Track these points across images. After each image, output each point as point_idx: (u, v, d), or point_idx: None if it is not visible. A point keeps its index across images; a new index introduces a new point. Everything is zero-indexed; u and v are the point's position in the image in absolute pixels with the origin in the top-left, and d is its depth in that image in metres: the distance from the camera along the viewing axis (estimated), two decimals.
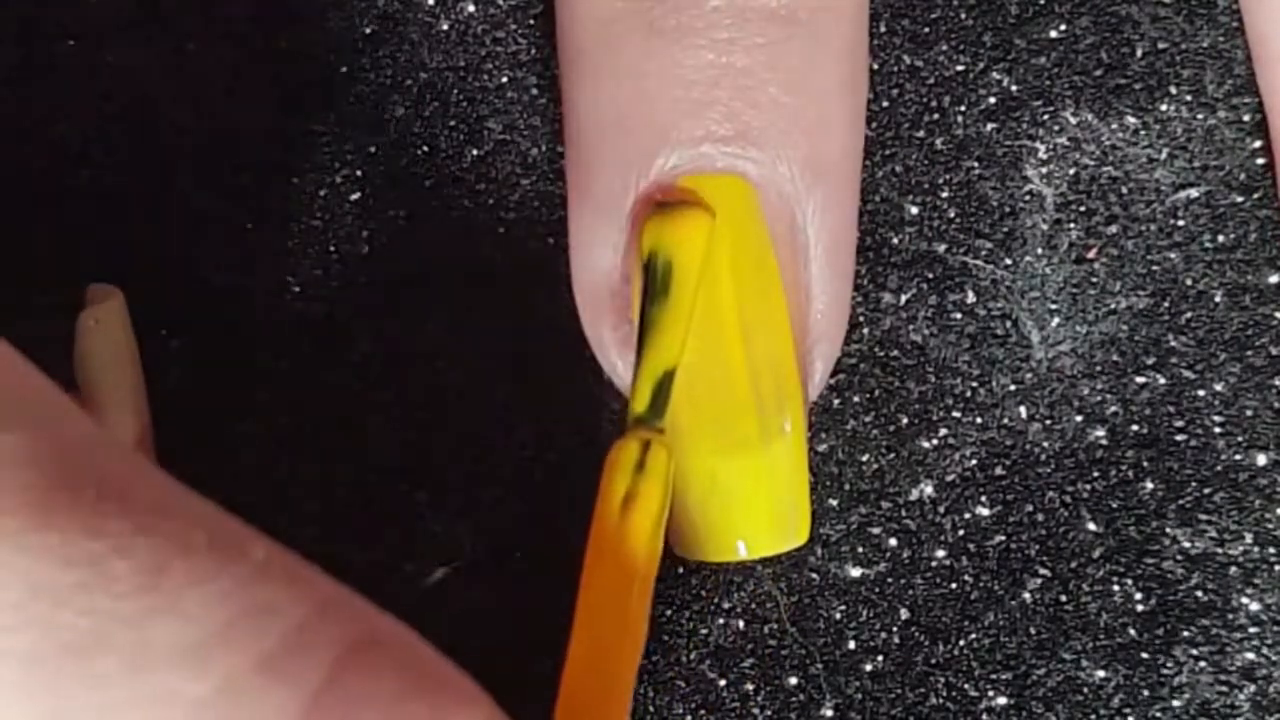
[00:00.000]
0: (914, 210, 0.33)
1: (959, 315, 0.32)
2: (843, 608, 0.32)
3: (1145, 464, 0.32)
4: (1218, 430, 0.32)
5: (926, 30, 0.33)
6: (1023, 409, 0.32)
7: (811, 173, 0.30)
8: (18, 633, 0.20)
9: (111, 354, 0.30)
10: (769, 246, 0.30)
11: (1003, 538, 0.32)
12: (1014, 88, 0.33)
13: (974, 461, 0.32)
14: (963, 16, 0.33)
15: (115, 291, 0.31)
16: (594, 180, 0.31)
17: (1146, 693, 0.32)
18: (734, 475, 0.30)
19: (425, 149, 0.33)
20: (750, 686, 0.32)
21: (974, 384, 0.32)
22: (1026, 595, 0.32)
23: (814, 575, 0.32)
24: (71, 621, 0.20)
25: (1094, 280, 0.32)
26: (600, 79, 0.30)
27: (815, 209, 0.30)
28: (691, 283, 0.29)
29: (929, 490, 0.32)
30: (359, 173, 0.33)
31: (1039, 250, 0.33)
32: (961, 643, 0.32)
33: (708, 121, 0.30)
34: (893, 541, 0.32)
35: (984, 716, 0.32)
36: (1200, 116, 0.33)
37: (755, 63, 0.30)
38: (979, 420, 0.32)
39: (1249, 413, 0.32)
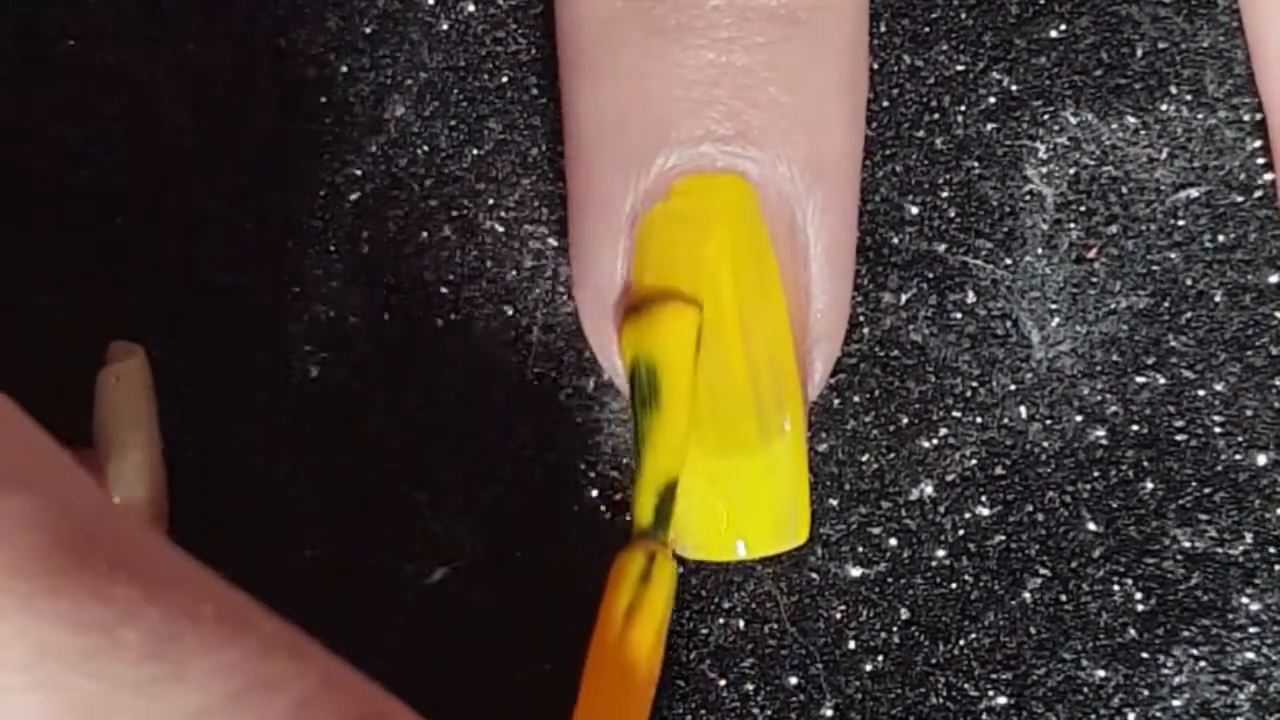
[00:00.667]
0: (914, 210, 0.33)
1: (959, 315, 0.32)
2: (843, 608, 0.32)
3: (1145, 464, 0.32)
4: (1218, 430, 0.32)
5: (926, 30, 0.33)
6: (1023, 409, 0.32)
7: (811, 172, 0.30)
8: (26, 694, 0.20)
9: (131, 412, 0.31)
10: (769, 246, 0.30)
11: (1003, 538, 0.32)
12: (1014, 88, 0.33)
13: (974, 461, 0.32)
14: (963, 16, 0.33)
15: (137, 350, 0.31)
16: (594, 181, 0.31)
17: (1146, 693, 0.32)
18: (733, 475, 0.30)
19: (425, 149, 0.33)
20: (750, 686, 0.32)
21: (974, 384, 0.32)
22: (1026, 595, 0.32)
23: (814, 575, 0.32)
24: (80, 685, 0.20)
25: (1094, 280, 0.32)
26: (600, 79, 0.30)
27: (815, 209, 0.30)
28: (682, 384, 0.29)
29: (929, 490, 0.32)
30: (359, 173, 0.33)
31: (1039, 250, 0.32)
32: (961, 643, 0.32)
33: (708, 121, 0.30)
34: (893, 541, 0.32)
35: (984, 716, 0.32)
36: (1200, 116, 0.33)
37: (755, 62, 0.30)
38: (979, 420, 0.32)
39: (1249, 413, 0.32)
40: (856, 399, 0.32)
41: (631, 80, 0.30)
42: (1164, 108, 0.33)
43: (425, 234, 0.33)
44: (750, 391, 0.30)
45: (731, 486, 0.30)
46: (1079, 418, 0.32)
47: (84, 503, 0.22)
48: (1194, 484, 0.32)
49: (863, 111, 0.31)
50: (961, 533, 0.32)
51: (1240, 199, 0.32)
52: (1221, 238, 0.32)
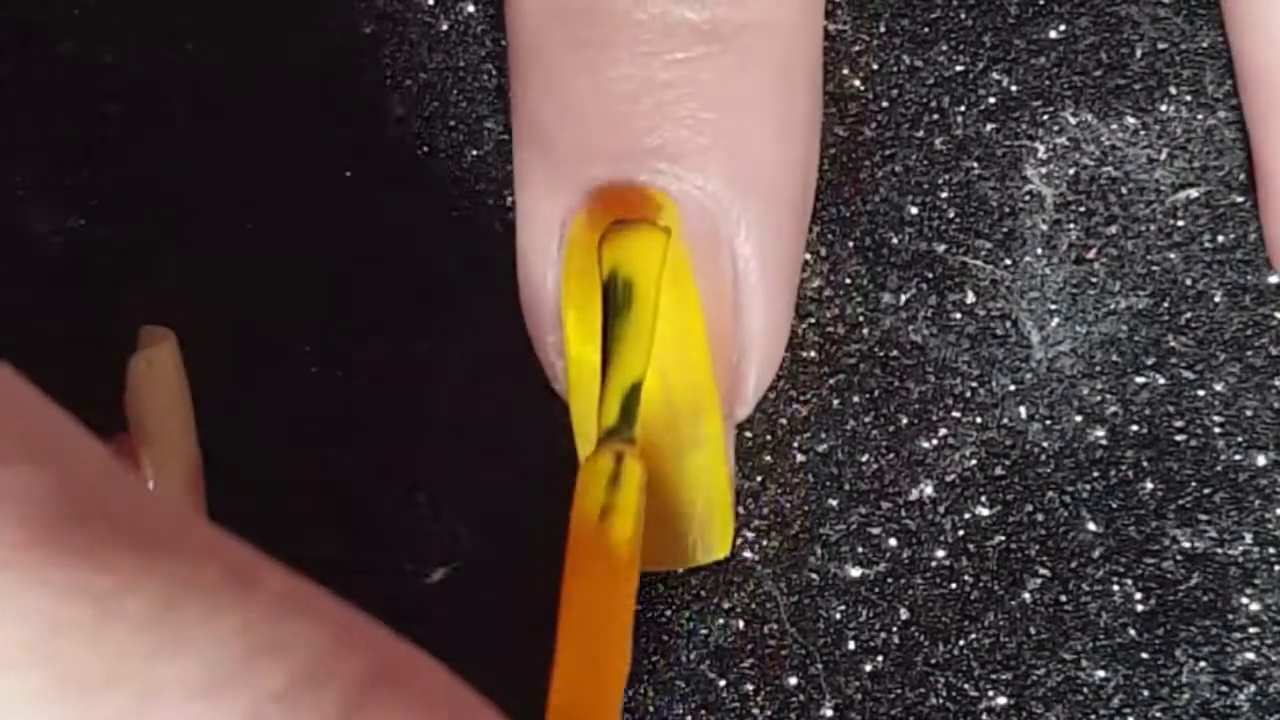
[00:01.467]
0: (914, 210, 0.33)
1: (959, 315, 0.32)
2: (843, 608, 0.32)
3: (1145, 464, 0.32)
4: (1218, 430, 0.32)
5: (926, 30, 0.33)
6: (1023, 409, 0.32)
7: (736, 189, 0.30)
8: (26, 669, 0.20)
9: (164, 396, 0.31)
10: (685, 260, 0.30)
11: (1003, 538, 0.32)
12: (1014, 88, 0.33)
13: (974, 461, 0.32)
14: (963, 16, 0.33)
15: (168, 334, 0.31)
16: (525, 190, 0.31)
17: (1146, 693, 0.32)
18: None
19: (425, 149, 0.33)
20: (750, 686, 0.32)
21: (974, 384, 0.32)
22: (1026, 595, 0.32)
23: (814, 575, 0.32)
24: (80, 658, 0.20)
25: (1094, 280, 0.32)
26: (530, 89, 0.31)
27: (743, 224, 0.30)
28: (652, 297, 0.29)
29: (929, 490, 0.32)
30: (359, 173, 0.33)
31: (1039, 250, 0.33)
32: (961, 643, 0.32)
33: (628, 136, 0.30)
34: (893, 541, 0.32)
35: (984, 716, 0.32)
36: (1200, 116, 0.33)
37: (676, 77, 0.30)
38: (979, 420, 0.32)
39: (1249, 413, 0.32)
40: (856, 399, 0.32)
41: (556, 92, 0.30)
42: (1164, 108, 0.33)
43: (424, 234, 0.33)
44: (662, 404, 0.30)
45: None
46: (1079, 418, 0.32)
47: (85, 469, 0.22)
48: (1194, 484, 0.32)
49: (805, 124, 0.31)
50: (961, 533, 0.32)
51: (1240, 199, 0.32)
52: (1221, 238, 0.32)
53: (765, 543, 0.32)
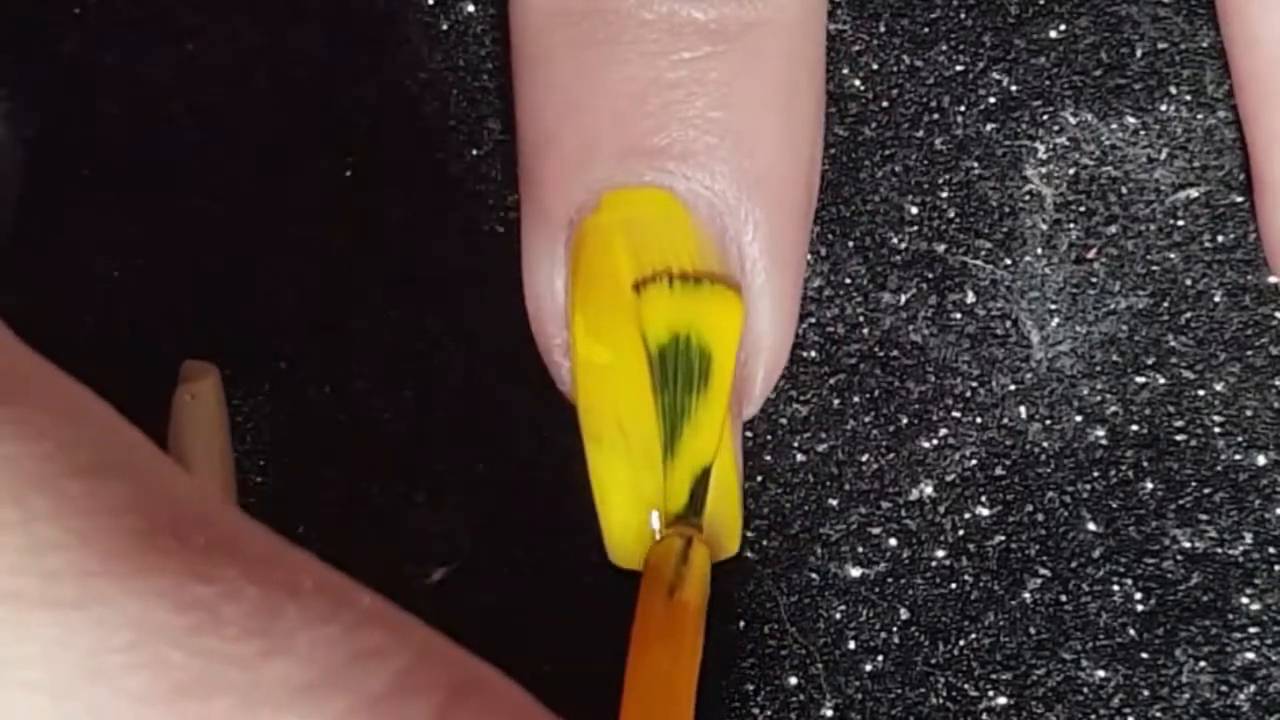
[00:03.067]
0: (914, 210, 0.33)
1: (959, 315, 0.32)
2: (843, 608, 0.32)
3: (1145, 464, 0.32)
4: (1218, 430, 0.32)
5: (926, 30, 0.33)
6: (1023, 409, 0.32)
7: (743, 187, 0.30)
8: (131, 673, 0.20)
9: (205, 429, 0.31)
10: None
11: (1003, 538, 0.32)
12: (1014, 88, 0.33)
13: (974, 461, 0.32)
14: (963, 16, 0.33)
15: (211, 369, 0.32)
16: (531, 191, 0.31)
17: (1146, 693, 0.32)
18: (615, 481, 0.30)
19: (425, 149, 0.33)
20: (750, 686, 0.32)
21: (974, 384, 0.32)
22: (1026, 595, 0.32)
23: (814, 575, 0.32)
24: (184, 662, 0.21)
25: (1094, 280, 0.32)
26: (535, 91, 0.31)
27: (750, 223, 0.30)
28: (729, 375, 0.30)
29: (929, 490, 0.32)
30: (359, 173, 0.33)
31: (1039, 250, 0.33)
32: (961, 643, 0.32)
33: (635, 135, 0.30)
34: (893, 541, 0.32)
35: (984, 716, 0.32)
36: (1200, 116, 0.33)
37: (683, 77, 0.30)
38: (979, 420, 0.32)
39: (1249, 413, 0.32)
40: (856, 399, 0.32)
41: (562, 93, 0.30)
42: (1164, 108, 0.33)
43: (425, 234, 0.33)
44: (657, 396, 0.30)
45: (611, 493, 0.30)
46: (1079, 418, 0.32)
47: (176, 485, 0.22)
48: (1194, 484, 0.32)
49: (810, 124, 0.31)
50: (961, 533, 0.32)
51: (1240, 199, 0.32)
52: (1221, 238, 0.32)
53: (765, 543, 0.32)
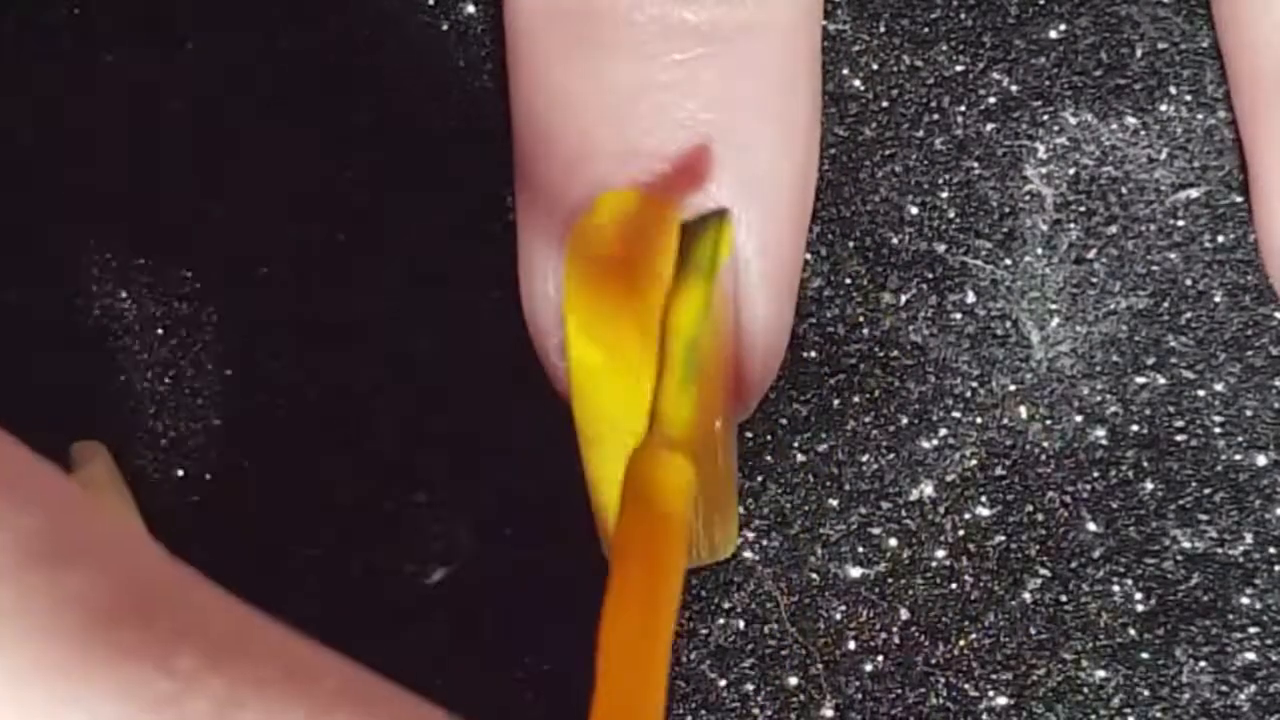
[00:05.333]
0: (914, 210, 0.33)
1: (959, 315, 0.32)
2: (843, 608, 0.32)
3: (1145, 464, 0.32)
4: (1218, 430, 0.32)
5: (926, 30, 0.33)
6: (1023, 409, 0.32)
7: (735, 190, 0.30)
8: None
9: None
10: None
11: (1003, 538, 0.32)
12: (1014, 88, 0.33)
13: (974, 461, 0.32)
14: (963, 16, 0.33)
15: (99, 449, 0.31)
16: (528, 194, 0.31)
17: (1146, 693, 0.32)
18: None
19: (425, 149, 0.33)
20: (750, 686, 0.32)
21: (974, 384, 0.32)
22: (1026, 595, 0.32)
23: (814, 575, 0.32)
24: None
25: (1094, 280, 0.32)
26: (529, 92, 0.31)
27: (745, 225, 0.30)
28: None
29: (929, 490, 0.32)
30: (359, 173, 0.33)
31: (1039, 250, 0.33)
32: (961, 643, 0.32)
33: (628, 137, 0.30)
34: (893, 541, 0.32)
35: (984, 716, 0.32)
36: (1200, 116, 0.33)
37: (675, 78, 0.30)
38: (979, 420, 0.32)
39: (1249, 413, 0.32)
40: (856, 399, 0.32)
41: (555, 94, 0.30)
42: (1164, 108, 0.33)
43: (425, 234, 0.33)
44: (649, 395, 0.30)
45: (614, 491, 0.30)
46: (1079, 418, 0.32)
47: (138, 561, 0.22)
48: (1194, 484, 0.32)
49: (805, 124, 0.31)
50: (961, 533, 0.32)
51: (1240, 199, 0.32)
52: (1221, 238, 0.32)
53: (765, 543, 0.32)
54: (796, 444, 0.32)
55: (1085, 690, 0.32)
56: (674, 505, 0.27)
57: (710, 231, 0.29)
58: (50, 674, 0.20)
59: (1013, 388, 0.32)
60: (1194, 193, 0.33)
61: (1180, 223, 0.33)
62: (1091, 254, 0.32)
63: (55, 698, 0.20)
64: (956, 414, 0.32)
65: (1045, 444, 0.32)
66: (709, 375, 0.30)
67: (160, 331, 0.33)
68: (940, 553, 0.32)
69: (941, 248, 0.33)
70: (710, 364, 0.29)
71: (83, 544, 0.21)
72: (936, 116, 0.33)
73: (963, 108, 0.33)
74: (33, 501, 0.22)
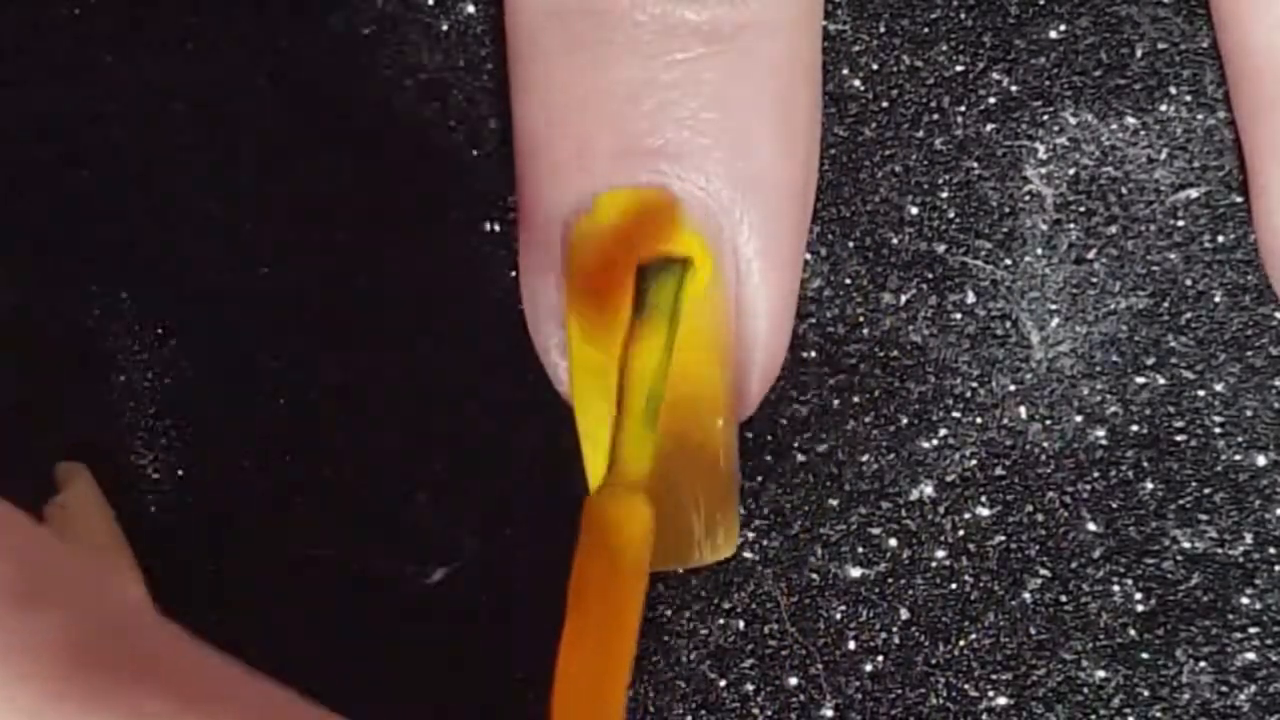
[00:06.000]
0: (914, 210, 0.33)
1: (959, 315, 0.32)
2: (843, 608, 0.32)
3: (1145, 464, 0.32)
4: (1218, 430, 0.32)
5: (926, 30, 0.33)
6: (1023, 409, 0.32)
7: (737, 188, 0.30)
8: None
9: (89, 534, 0.30)
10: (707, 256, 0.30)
11: (1003, 538, 0.32)
12: (1014, 88, 0.33)
13: (974, 461, 0.32)
14: (963, 16, 0.33)
15: (80, 469, 0.31)
16: (528, 191, 0.31)
17: (1146, 693, 0.32)
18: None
19: (425, 149, 0.33)
20: (750, 686, 0.32)
21: (974, 384, 0.32)
22: (1026, 595, 0.32)
23: (814, 575, 0.32)
24: None
25: (1094, 280, 0.32)
26: (530, 92, 0.31)
27: (747, 224, 0.30)
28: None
29: (929, 490, 0.32)
30: (360, 173, 0.33)
31: (1039, 250, 0.33)
32: (961, 643, 0.32)
33: (629, 136, 0.30)
34: (893, 541, 0.32)
35: (984, 716, 0.32)
36: (1200, 116, 0.33)
37: (677, 78, 0.30)
38: (979, 420, 0.32)
39: (1249, 413, 0.32)
40: (856, 399, 0.32)
41: (556, 93, 0.30)
42: (1164, 108, 0.33)
43: (425, 234, 0.33)
44: (670, 403, 0.30)
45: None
46: (1079, 418, 0.32)
47: (108, 604, 0.22)
48: (1194, 484, 0.32)
49: (806, 124, 0.31)
50: (961, 533, 0.32)
51: (1240, 199, 0.32)
52: (1221, 238, 0.32)
53: (765, 543, 0.32)
54: (796, 444, 0.32)
55: (1085, 690, 0.32)
56: (632, 548, 0.27)
57: (672, 277, 0.29)
58: (25, 718, 0.20)
59: (1013, 388, 0.32)
60: (1194, 193, 0.33)
61: (1180, 223, 0.33)
62: (1091, 254, 0.32)
63: None
64: (956, 414, 0.32)
65: (1045, 444, 0.32)
66: (696, 393, 0.30)
67: (160, 331, 0.33)
68: (940, 553, 0.32)
69: (941, 248, 0.33)
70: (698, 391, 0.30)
71: (55, 589, 0.21)
72: (936, 116, 0.33)
73: (963, 108, 0.33)
74: (5, 548, 0.22)
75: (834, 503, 0.32)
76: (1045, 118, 0.33)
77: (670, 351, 0.29)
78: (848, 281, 0.33)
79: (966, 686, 0.32)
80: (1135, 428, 0.32)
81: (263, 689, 0.22)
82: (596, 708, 0.26)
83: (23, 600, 0.21)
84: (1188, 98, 0.33)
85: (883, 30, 0.33)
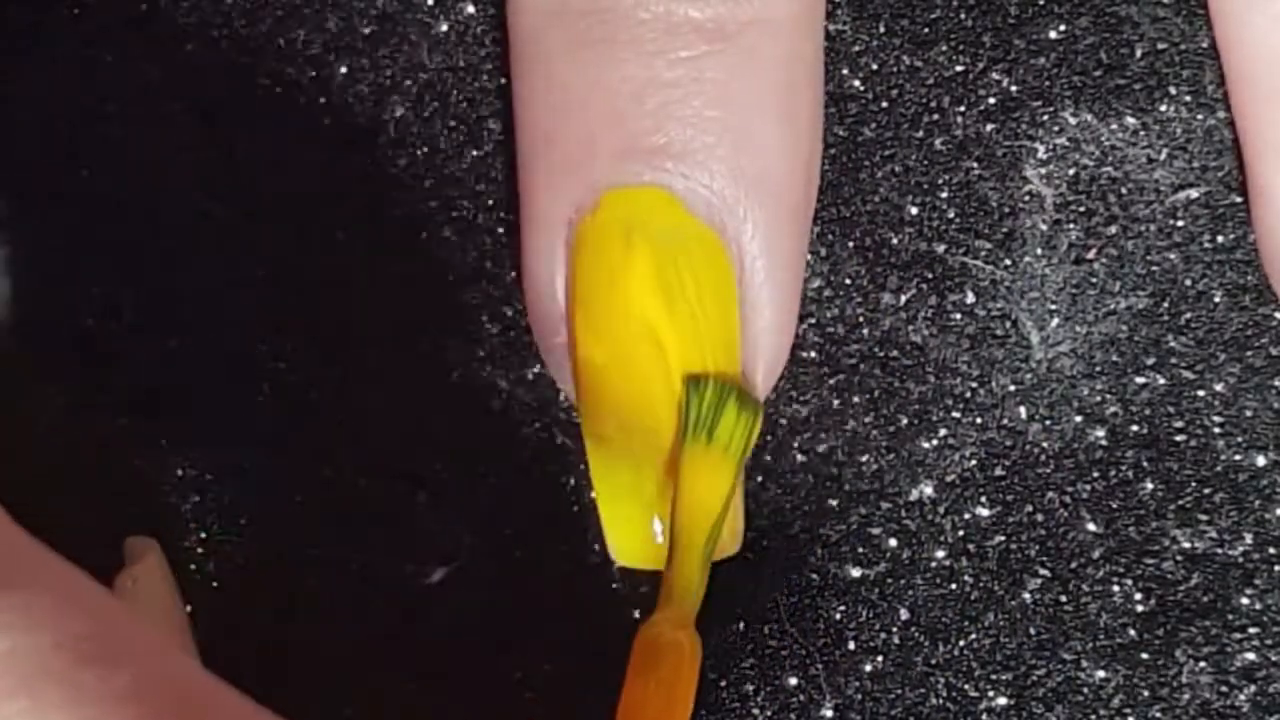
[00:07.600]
0: (914, 210, 0.33)
1: (959, 315, 0.32)
2: (843, 608, 0.32)
3: (1145, 464, 0.32)
4: (1218, 430, 0.32)
5: (926, 30, 0.33)
6: (1023, 409, 0.32)
7: (741, 187, 0.30)
8: None
9: (155, 607, 0.31)
10: (712, 257, 0.30)
11: (1003, 538, 0.32)
12: (1014, 88, 0.33)
13: (974, 462, 0.32)
14: (963, 16, 0.33)
15: (152, 545, 0.31)
16: (530, 191, 0.31)
17: (1146, 693, 0.32)
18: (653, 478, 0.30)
19: (425, 149, 0.33)
20: (750, 686, 0.32)
21: (974, 384, 0.32)
22: (1026, 595, 0.32)
23: (814, 575, 0.32)
24: None
25: (1094, 280, 0.32)
26: (533, 91, 0.31)
27: (751, 222, 0.30)
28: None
29: (929, 490, 0.32)
30: (359, 173, 0.33)
31: (1039, 250, 0.33)
32: (961, 643, 0.32)
33: (633, 135, 0.30)
34: (893, 541, 0.32)
35: (984, 717, 0.32)
36: (1200, 117, 0.33)
37: (681, 76, 0.30)
38: (979, 420, 0.32)
39: (1249, 413, 0.32)
40: (856, 399, 0.32)
41: (560, 93, 0.30)
42: (1164, 108, 0.33)
43: (425, 234, 0.33)
44: (668, 395, 0.30)
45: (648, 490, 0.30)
46: (1079, 418, 0.32)
47: (172, 669, 0.23)
48: (1194, 484, 0.32)
49: (808, 122, 0.31)
50: (961, 533, 0.32)
51: (1240, 199, 0.32)
52: (1221, 238, 0.32)
53: (765, 543, 0.32)
54: (796, 444, 0.32)
55: (1085, 690, 0.32)
56: (683, 683, 0.28)
57: (746, 414, 0.30)
58: None
59: (1013, 388, 0.32)
60: (1194, 193, 0.33)
61: (1180, 223, 0.33)
62: (1091, 254, 0.32)
63: None
64: (956, 414, 0.32)
65: (1045, 444, 0.32)
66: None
67: (160, 332, 0.33)
68: (940, 553, 0.32)
69: (941, 248, 0.33)
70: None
71: (124, 647, 0.22)
72: (936, 116, 0.33)
73: (963, 108, 0.33)
74: (75, 602, 0.23)
75: (834, 503, 0.32)
76: (1045, 118, 0.33)
77: (736, 493, 0.30)
78: (848, 281, 0.33)
79: (966, 686, 0.32)
80: (1135, 428, 0.32)
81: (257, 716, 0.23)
82: None
83: (95, 657, 0.22)
84: (1187, 98, 0.33)
85: (883, 30, 0.33)
